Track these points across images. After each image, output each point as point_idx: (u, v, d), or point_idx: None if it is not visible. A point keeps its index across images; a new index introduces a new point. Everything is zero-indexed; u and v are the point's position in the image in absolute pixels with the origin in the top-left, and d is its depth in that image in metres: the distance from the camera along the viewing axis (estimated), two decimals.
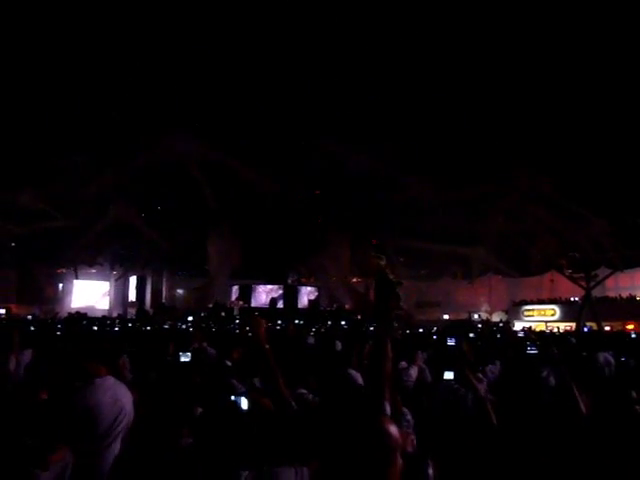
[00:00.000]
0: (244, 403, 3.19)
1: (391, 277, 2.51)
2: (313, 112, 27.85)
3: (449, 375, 4.44)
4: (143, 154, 27.90)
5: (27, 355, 7.03)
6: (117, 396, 3.88)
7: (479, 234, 34.37)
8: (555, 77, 25.13)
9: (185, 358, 4.72)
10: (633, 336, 20.00)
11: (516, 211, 32.43)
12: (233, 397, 3.24)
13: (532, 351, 5.59)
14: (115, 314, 39.69)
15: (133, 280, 47.36)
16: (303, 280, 44.52)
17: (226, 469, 2.65)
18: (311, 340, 10.88)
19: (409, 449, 1.99)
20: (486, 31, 24.06)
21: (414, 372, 7.44)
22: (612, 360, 8.08)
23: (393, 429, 1.92)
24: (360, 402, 2.31)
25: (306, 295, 40.34)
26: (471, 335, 14.23)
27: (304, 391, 4.14)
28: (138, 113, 26.94)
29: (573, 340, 13.61)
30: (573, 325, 34.89)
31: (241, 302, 37.68)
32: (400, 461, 1.90)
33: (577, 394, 3.54)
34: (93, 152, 28.20)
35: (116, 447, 3.70)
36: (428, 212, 31.58)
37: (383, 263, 2.57)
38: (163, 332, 16.89)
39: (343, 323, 25.92)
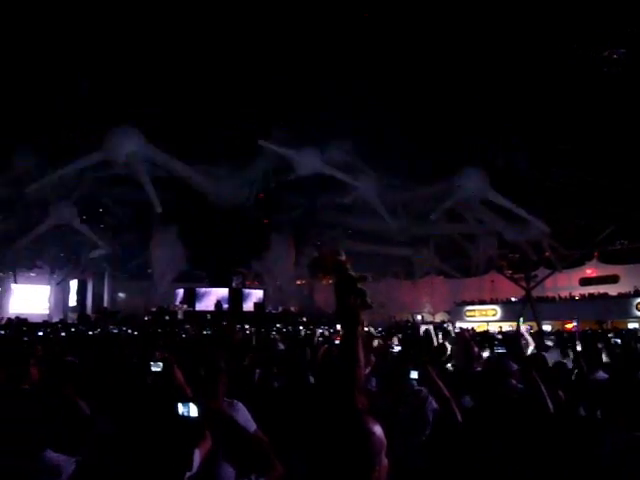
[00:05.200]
0: (193, 410, 3.10)
1: (352, 273, 2.40)
2: (257, 114, 27.78)
3: (414, 375, 4.45)
4: (85, 154, 27.42)
5: None
6: None
7: (421, 235, 34.76)
8: (495, 81, 25.55)
9: (156, 368, 4.59)
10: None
11: (458, 213, 32.88)
12: (180, 404, 3.13)
13: (500, 350, 5.69)
14: (55, 319, 38.77)
15: (74, 284, 46.36)
16: (248, 283, 44.32)
17: None
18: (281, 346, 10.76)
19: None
20: (431, 31, 24.33)
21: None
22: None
23: (378, 429, 1.94)
24: (343, 402, 2.31)
25: (251, 298, 40.18)
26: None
27: None
28: (81, 112, 26.45)
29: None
30: (514, 324, 35.46)
31: (185, 306, 37.26)
32: (385, 461, 1.92)
33: (544, 392, 3.62)
34: (34, 153, 27.59)
35: None
36: (371, 213, 31.80)
37: (342, 258, 2.45)
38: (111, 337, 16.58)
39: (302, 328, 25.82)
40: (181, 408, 3.07)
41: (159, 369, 4.48)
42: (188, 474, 2.88)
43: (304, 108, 27.33)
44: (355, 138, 28.87)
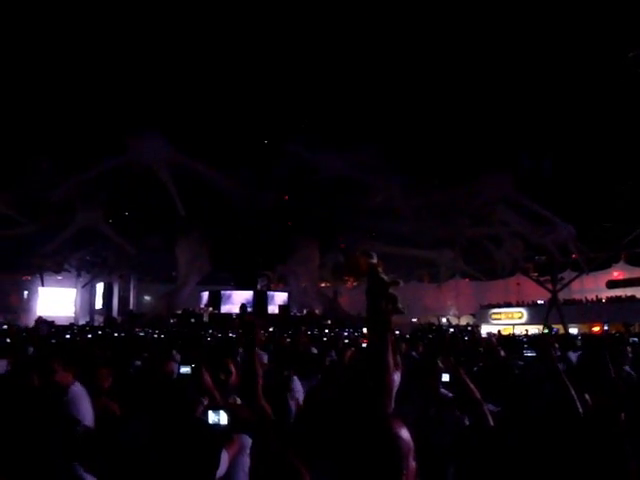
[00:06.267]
0: (223, 418, 3.08)
1: (384, 276, 2.35)
2: (282, 117, 27.82)
3: (445, 377, 4.40)
4: (111, 158, 27.61)
5: (2, 365, 6.86)
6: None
7: (446, 238, 34.59)
8: (520, 82, 25.39)
9: (185, 369, 4.55)
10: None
11: (483, 215, 32.71)
12: (211, 411, 3.11)
13: (529, 354, 5.64)
14: (82, 322, 39.11)
15: (100, 287, 46.69)
16: (272, 285, 44.34)
17: None
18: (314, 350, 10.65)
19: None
20: (450, 39, 24.24)
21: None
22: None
23: (404, 432, 1.91)
24: (369, 406, 2.27)
25: (276, 301, 40.17)
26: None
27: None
28: (106, 117, 26.65)
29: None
30: (540, 328, 35.17)
31: (210, 308, 37.33)
32: (413, 465, 1.89)
33: (574, 395, 3.56)
34: (60, 156, 27.81)
35: None
36: (396, 216, 31.72)
37: (374, 261, 2.40)
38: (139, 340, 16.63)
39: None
40: (212, 416, 3.06)
41: (188, 371, 4.45)
42: (218, 474, 2.88)
43: (328, 110, 27.33)
44: (379, 140, 28.77)
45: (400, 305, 2.31)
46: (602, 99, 25.36)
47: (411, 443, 1.90)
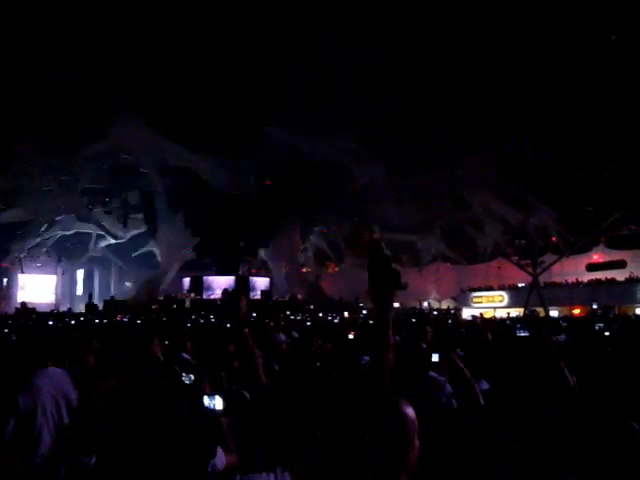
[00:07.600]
0: (218, 402, 3.07)
1: (387, 252, 2.33)
2: (263, 101, 27.71)
3: (435, 358, 4.40)
4: (92, 143, 27.41)
5: None
6: (57, 385, 3.90)
7: (428, 222, 34.72)
8: (503, 66, 25.44)
9: (187, 380, 4.51)
10: None
11: (464, 199, 32.86)
12: (206, 397, 3.10)
13: (522, 334, 5.66)
14: (63, 308, 38.85)
15: (80, 273, 46.42)
16: (254, 271, 44.33)
17: None
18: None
19: None
20: (433, 23, 24.22)
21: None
22: None
23: (410, 411, 1.92)
24: (377, 387, 2.27)
25: (258, 286, 40.14)
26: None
27: None
28: (87, 102, 26.41)
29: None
30: (521, 310, 35.44)
31: (192, 294, 37.23)
32: (417, 443, 1.90)
33: (566, 372, 3.59)
34: (40, 141, 27.56)
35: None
36: (378, 200, 31.77)
37: (377, 236, 2.37)
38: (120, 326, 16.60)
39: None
40: (207, 401, 3.05)
41: (189, 382, 4.39)
42: (211, 464, 2.87)
43: (310, 94, 27.24)
44: (362, 124, 28.74)
45: (403, 280, 2.30)
46: (585, 82, 25.46)
47: (416, 422, 1.92)
